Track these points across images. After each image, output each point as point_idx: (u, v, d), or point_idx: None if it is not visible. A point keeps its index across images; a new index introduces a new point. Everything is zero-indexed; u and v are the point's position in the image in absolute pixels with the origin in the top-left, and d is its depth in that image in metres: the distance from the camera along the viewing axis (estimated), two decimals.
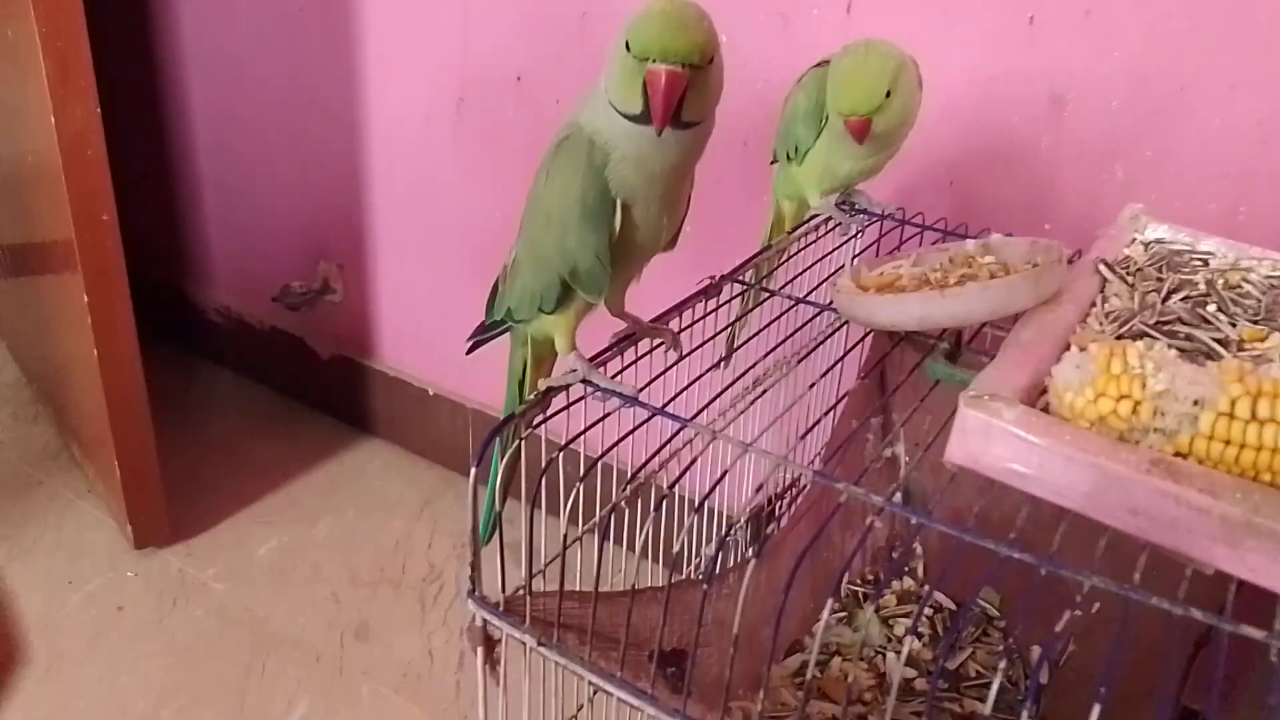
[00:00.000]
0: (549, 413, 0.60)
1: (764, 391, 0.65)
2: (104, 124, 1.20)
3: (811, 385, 0.70)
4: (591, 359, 0.64)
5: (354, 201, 1.58)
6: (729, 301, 0.76)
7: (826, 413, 0.67)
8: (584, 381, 0.62)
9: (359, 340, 1.67)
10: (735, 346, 0.81)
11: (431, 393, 1.60)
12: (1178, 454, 0.49)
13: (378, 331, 1.65)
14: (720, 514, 1.03)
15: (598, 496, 0.64)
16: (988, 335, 0.75)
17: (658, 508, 0.52)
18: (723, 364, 0.73)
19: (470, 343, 0.74)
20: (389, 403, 1.66)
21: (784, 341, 0.74)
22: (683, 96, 0.56)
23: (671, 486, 0.54)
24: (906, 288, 0.66)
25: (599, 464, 0.58)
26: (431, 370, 1.61)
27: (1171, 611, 0.46)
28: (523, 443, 0.57)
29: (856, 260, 0.88)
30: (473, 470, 0.54)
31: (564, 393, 0.62)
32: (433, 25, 1.38)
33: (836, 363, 0.70)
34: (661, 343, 0.69)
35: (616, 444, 0.57)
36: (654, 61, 0.55)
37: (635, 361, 0.67)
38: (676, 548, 0.64)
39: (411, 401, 1.62)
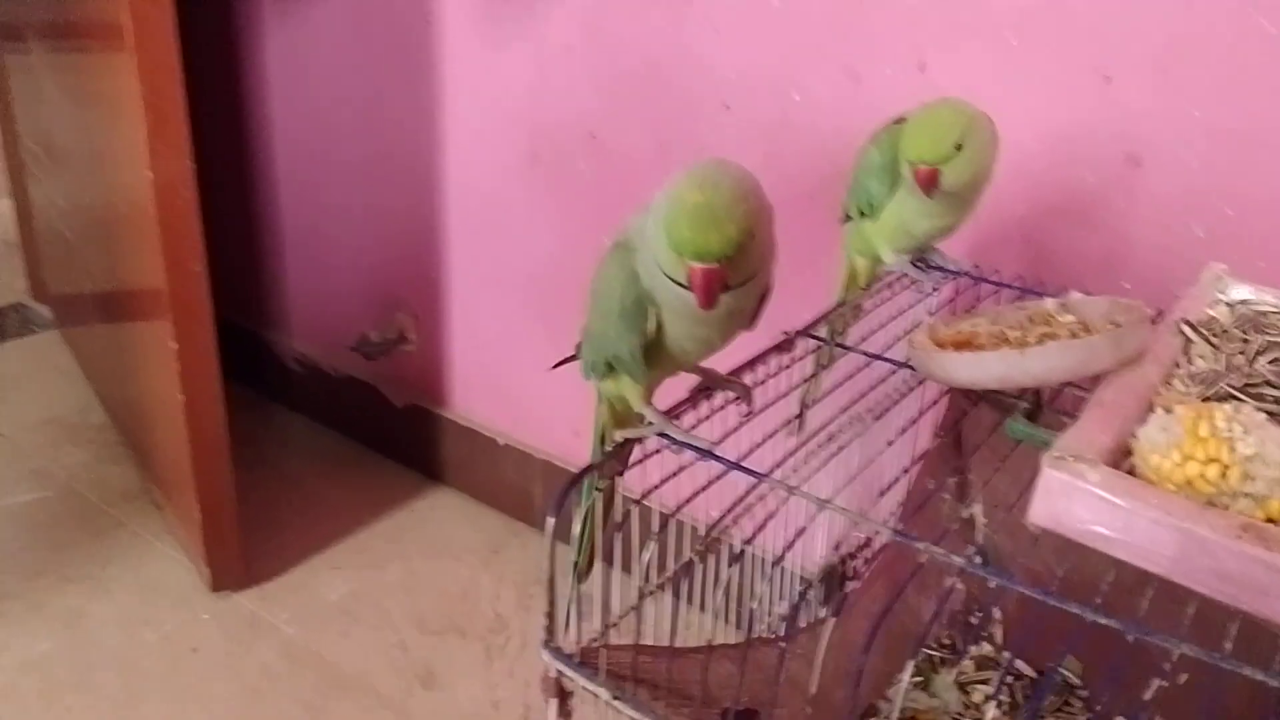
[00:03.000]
0: (626, 464, 0.60)
1: (840, 449, 0.65)
2: (196, 173, 1.25)
3: (890, 443, 0.69)
4: (667, 411, 0.65)
5: (429, 253, 1.61)
6: (804, 358, 0.77)
7: (905, 471, 0.67)
8: (660, 434, 0.63)
9: (432, 389, 1.70)
10: (809, 404, 0.81)
11: (501, 442, 1.61)
12: (1269, 519, 0.47)
13: (450, 381, 1.68)
14: (793, 572, 1.03)
15: (671, 553, 0.64)
16: (1069, 396, 0.74)
17: (732, 564, 0.52)
18: (797, 421, 0.74)
19: (558, 362, 0.76)
20: (459, 451, 1.68)
21: (860, 399, 0.74)
22: (726, 277, 0.57)
23: (747, 543, 0.54)
24: (985, 346, 0.65)
25: (673, 520, 0.58)
26: (501, 420, 1.62)
27: (1266, 683, 0.44)
28: (598, 494, 0.58)
29: (932, 317, 0.87)
30: (550, 520, 0.54)
31: (640, 445, 0.63)
32: (508, 79, 1.42)
33: (913, 421, 0.70)
34: (737, 397, 0.69)
35: (692, 497, 0.57)
36: (689, 259, 0.56)
37: (710, 416, 0.67)
38: (752, 604, 0.64)
39: (481, 450, 1.64)
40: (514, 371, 1.58)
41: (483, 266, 1.56)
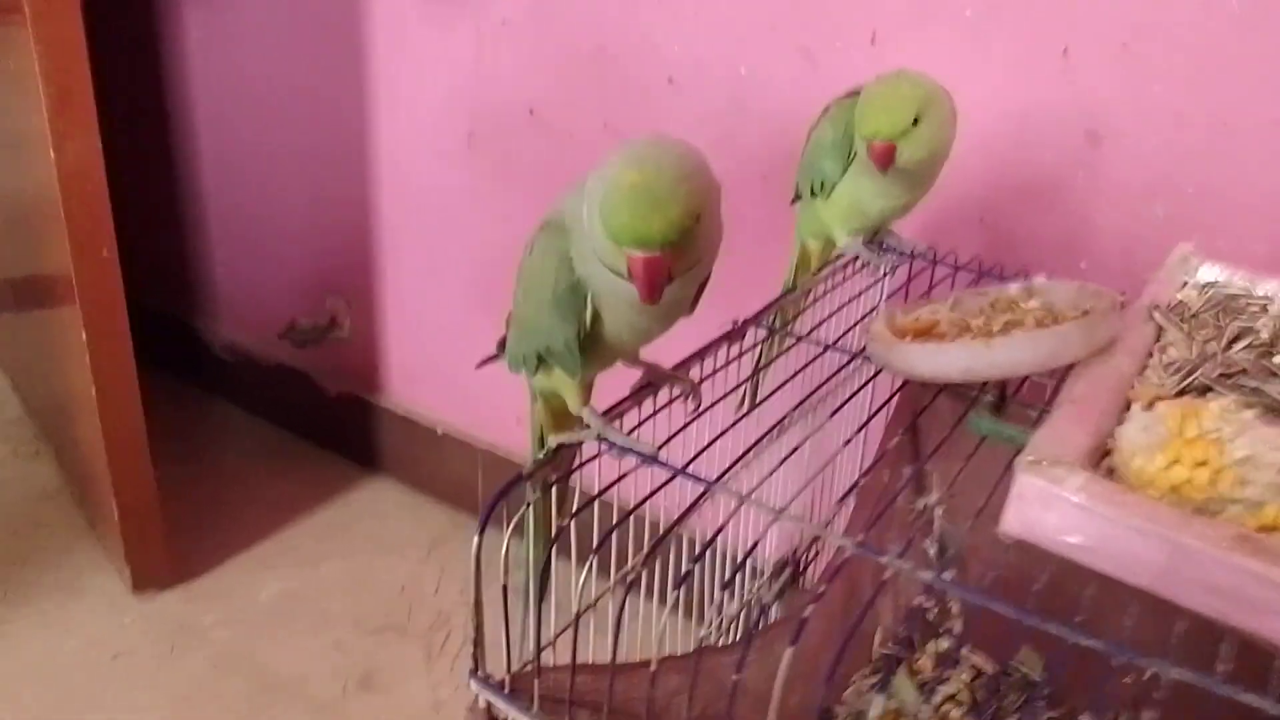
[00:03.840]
0: (568, 470, 0.55)
1: (793, 451, 0.60)
2: (108, 155, 1.17)
3: (846, 442, 0.65)
4: (607, 411, 0.60)
5: (363, 236, 1.54)
6: (754, 347, 0.72)
7: (863, 474, 0.62)
8: (598, 439, 0.58)
9: (367, 377, 1.63)
10: (759, 399, 0.76)
11: (440, 431, 1.55)
12: (1263, 528, 0.44)
13: (386, 368, 1.61)
14: (744, 566, 0.98)
15: (613, 551, 0.59)
16: (1034, 385, 0.70)
17: (678, 586, 0.47)
18: (745, 414, 0.69)
19: (482, 361, 0.70)
20: (397, 441, 1.62)
21: (813, 392, 0.70)
22: (670, 266, 0.52)
23: (695, 560, 0.49)
24: (946, 335, 0.61)
25: (615, 517, 0.53)
26: (440, 408, 1.56)
27: (1261, 709, 0.40)
28: (529, 507, 0.53)
29: (887, 303, 0.83)
30: (475, 538, 0.49)
31: (579, 449, 0.58)
32: (444, 57, 1.35)
33: (871, 418, 0.66)
34: (682, 393, 0.64)
35: (629, 514, 0.52)
36: (629, 247, 0.51)
37: (654, 414, 0.62)
38: (709, 612, 0.59)
39: (420, 440, 1.58)
40: (453, 358, 1.52)
41: (420, 249, 1.50)
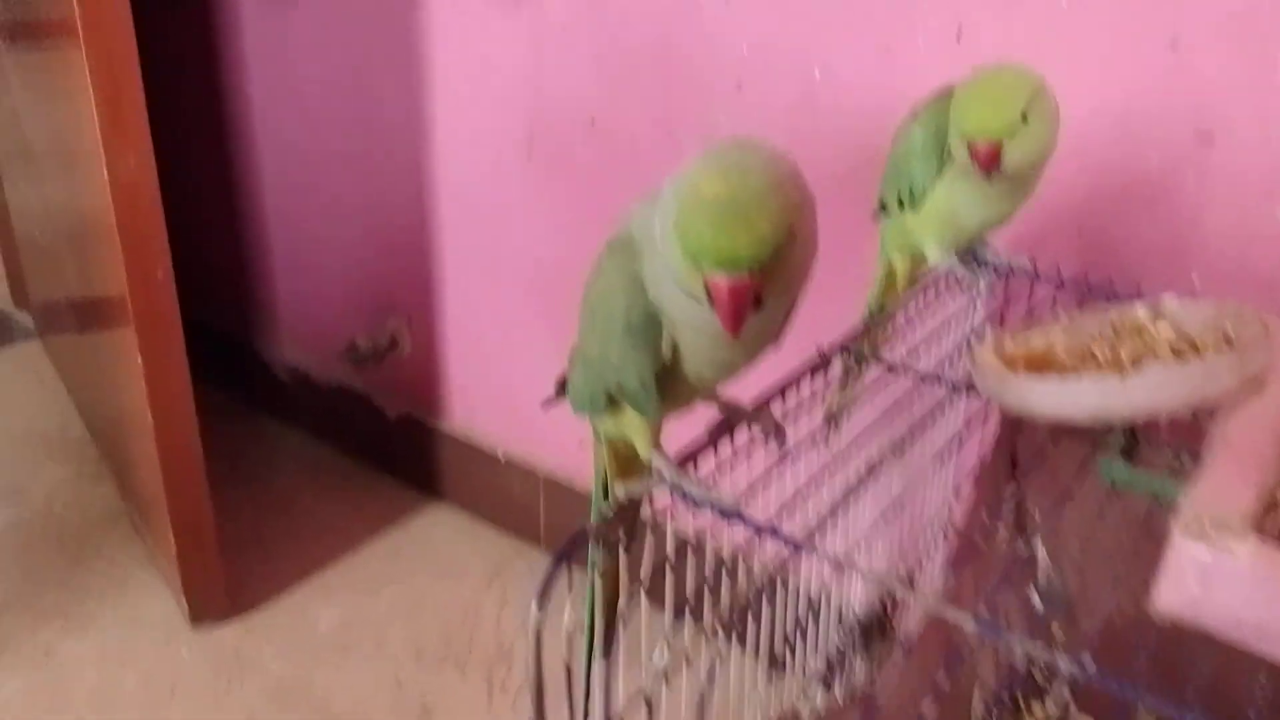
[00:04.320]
0: (633, 528, 0.48)
1: (896, 506, 0.53)
2: (165, 172, 1.15)
3: (964, 492, 0.57)
4: (680, 456, 0.53)
5: (421, 252, 1.50)
6: (844, 378, 0.65)
7: (948, 526, 0.55)
8: (672, 488, 0.51)
9: (427, 399, 1.59)
10: (838, 434, 0.69)
11: (502, 456, 1.50)
12: None
13: (446, 391, 1.57)
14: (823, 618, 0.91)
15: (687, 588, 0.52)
16: (1167, 422, 0.62)
17: (766, 647, 0.40)
18: (828, 458, 0.61)
19: (546, 402, 0.64)
20: (457, 466, 1.58)
21: (905, 428, 0.62)
22: (759, 291, 0.45)
23: (761, 601, 0.42)
24: (1066, 365, 0.53)
25: (690, 565, 0.47)
26: (502, 432, 1.51)
27: None
28: (593, 569, 0.46)
29: (992, 327, 0.75)
30: (533, 609, 0.43)
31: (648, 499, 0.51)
32: (502, 63, 1.31)
33: (985, 462, 0.58)
34: (764, 432, 0.57)
35: (710, 583, 0.45)
36: (710, 269, 0.44)
37: (733, 457, 0.55)
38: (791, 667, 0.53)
39: (481, 465, 1.53)
40: (515, 380, 1.47)
41: (479, 265, 1.45)
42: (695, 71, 1.15)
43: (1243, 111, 0.85)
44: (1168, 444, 0.57)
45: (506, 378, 1.48)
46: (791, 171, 0.45)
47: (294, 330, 1.78)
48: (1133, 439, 0.57)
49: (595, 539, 0.47)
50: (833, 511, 0.56)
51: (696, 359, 0.51)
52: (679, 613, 0.45)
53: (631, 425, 0.55)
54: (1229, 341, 0.51)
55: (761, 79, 1.10)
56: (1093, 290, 0.77)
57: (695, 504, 0.50)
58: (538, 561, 1.48)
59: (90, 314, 1.48)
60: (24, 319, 2.17)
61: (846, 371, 0.71)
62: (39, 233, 1.80)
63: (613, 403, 0.55)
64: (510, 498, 1.51)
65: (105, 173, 1.11)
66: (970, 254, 0.80)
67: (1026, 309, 0.78)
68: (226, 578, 1.36)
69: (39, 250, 1.86)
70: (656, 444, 0.55)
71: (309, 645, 1.33)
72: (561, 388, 0.62)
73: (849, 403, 0.75)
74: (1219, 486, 0.41)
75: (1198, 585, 0.38)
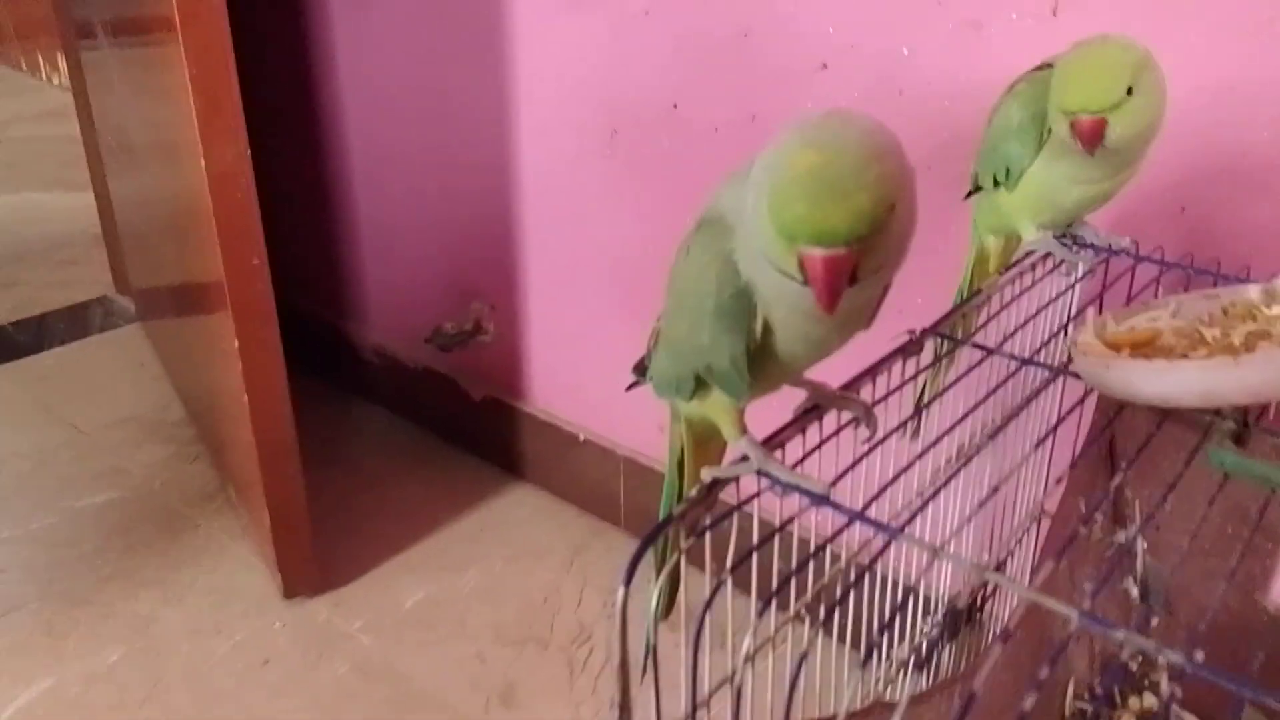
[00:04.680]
0: (714, 512, 0.48)
1: (992, 494, 0.52)
2: (258, 161, 1.18)
3: (1060, 480, 0.56)
4: (766, 440, 0.53)
5: (505, 240, 1.52)
6: (934, 362, 0.63)
7: (1041, 510, 0.53)
8: (759, 473, 0.50)
9: (509, 382, 1.61)
10: (924, 408, 0.67)
11: (582, 438, 1.51)
12: None
13: (528, 373, 1.58)
14: (909, 606, 0.89)
15: (772, 581, 0.52)
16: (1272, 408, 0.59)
17: (852, 636, 0.40)
18: (927, 446, 0.60)
19: (630, 386, 0.64)
20: (539, 447, 1.59)
21: (1004, 414, 0.61)
22: (856, 266, 0.43)
23: (849, 591, 0.41)
24: (1174, 348, 0.51)
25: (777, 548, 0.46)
26: (582, 414, 1.52)
27: None
28: (683, 556, 0.46)
29: (1089, 309, 0.72)
30: (620, 592, 0.42)
31: (734, 484, 0.51)
32: (584, 51, 1.31)
33: (1052, 430, 0.56)
34: (854, 418, 0.56)
35: (792, 576, 0.44)
36: (806, 243, 0.42)
37: (821, 444, 0.54)
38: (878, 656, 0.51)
39: (561, 446, 1.54)
40: (594, 363, 1.47)
41: (561, 253, 1.46)
42: (777, 53, 1.13)
43: None
44: (1275, 430, 0.54)
45: (586, 361, 1.49)
46: (891, 143, 0.43)
47: (382, 315, 1.81)
48: (1243, 424, 0.54)
49: (679, 522, 0.46)
50: (923, 498, 0.55)
51: (788, 339, 0.49)
52: (765, 599, 0.45)
53: (718, 408, 0.55)
54: None
55: (846, 58, 1.08)
56: (1198, 273, 0.74)
57: (783, 489, 0.49)
58: (617, 542, 1.49)
59: (188, 300, 1.53)
60: (125, 304, 2.25)
61: (937, 356, 0.69)
62: (140, 221, 1.86)
63: (700, 385, 0.54)
64: (590, 478, 1.52)
65: (203, 165, 1.14)
66: (1069, 234, 0.77)
67: (1128, 293, 0.75)
68: (317, 554, 1.39)
69: (139, 238, 1.93)
70: (743, 427, 0.54)
71: (395, 621, 1.35)
72: (641, 371, 0.62)
73: (939, 388, 0.73)
74: None
75: None
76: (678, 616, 0.53)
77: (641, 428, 1.41)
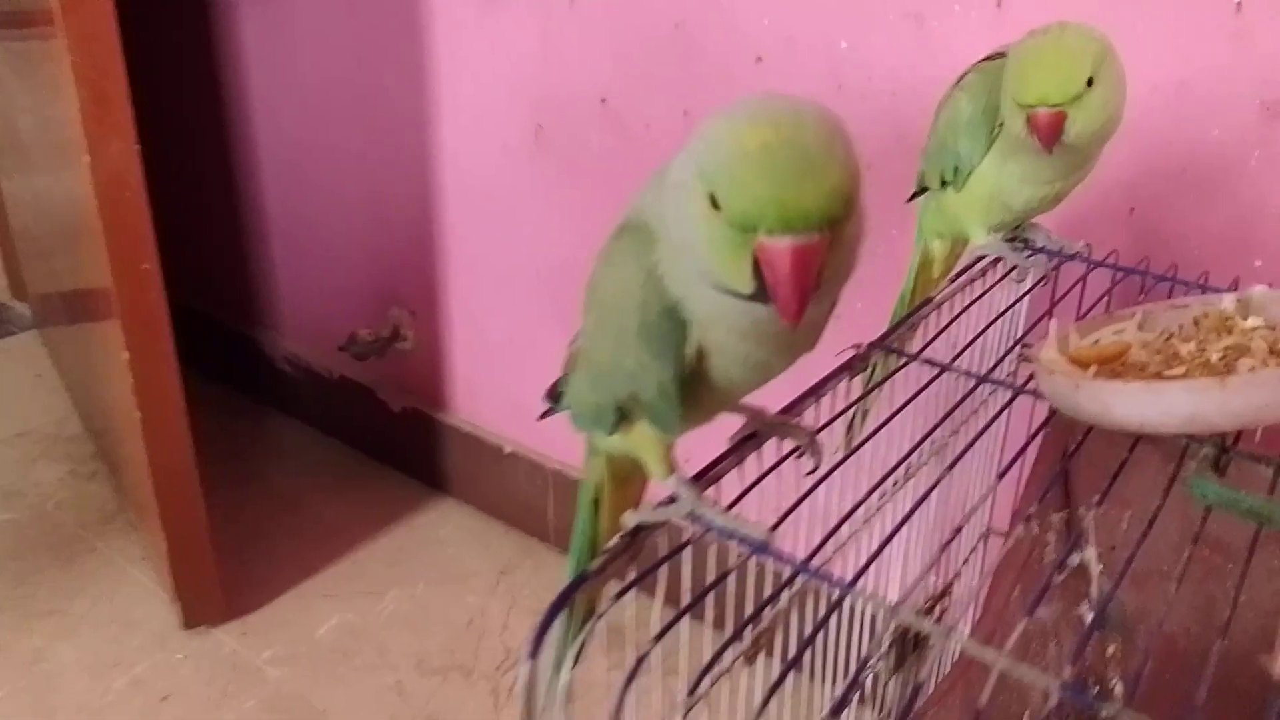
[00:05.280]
0: (638, 573, 0.41)
1: (936, 509, 0.46)
2: (159, 162, 1.09)
3: (1012, 499, 0.50)
4: (699, 476, 0.46)
5: (426, 242, 1.44)
6: (885, 380, 0.57)
7: (986, 531, 0.48)
8: (691, 517, 0.44)
9: (431, 392, 1.53)
10: (853, 437, 0.61)
11: (508, 450, 1.44)
12: None
13: (451, 383, 1.51)
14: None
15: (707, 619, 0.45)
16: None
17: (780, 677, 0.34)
18: (849, 447, 0.54)
19: (544, 411, 0.57)
20: (463, 460, 1.52)
21: (960, 430, 0.55)
22: (823, 260, 0.37)
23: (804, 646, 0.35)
24: (1146, 365, 0.46)
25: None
26: (508, 425, 1.45)
27: None
28: (599, 620, 0.39)
29: (1052, 322, 0.67)
30: (525, 668, 0.36)
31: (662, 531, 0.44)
32: (508, 45, 1.24)
33: (1034, 466, 0.51)
34: (798, 448, 0.50)
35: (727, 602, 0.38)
36: (769, 233, 0.36)
37: (761, 478, 0.48)
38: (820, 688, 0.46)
39: (487, 459, 1.47)
40: (521, 371, 1.40)
41: (486, 256, 1.39)
42: (712, 47, 1.08)
43: None
44: (1257, 456, 0.49)
45: (513, 370, 1.42)
46: (842, 126, 0.37)
47: (295, 322, 1.73)
48: (1222, 450, 0.49)
49: (596, 580, 0.39)
50: (867, 523, 0.50)
51: (726, 363, 0.43)
52: (699, 670, 0.39)
53: (643, 442, 0.48)
54: None
55: (782, 52, 1.03)
56: (1157, 280, 0.70)
57: (718, 535, 0.43)
58: (546, 560, 1.43)
59: (80, 307, 1.42)
60: (22, 310, 2.12)
61: (871, 370, 0.64)
62: (34, 224, 1.74)
63: (623, 416, 0.48)
64: (517, 493, 1.46)
65: (89, 162, 1.05)
66: (1019, 238, 0.72)
67: (1079, 300, 0.70)
68: (222, 579, 1.30)
69: (34, 241, 1.81)
70: (673, 463, 0.47)
71: (308, 651, 1.27)
72: (556, 397, 0.55)
73: (870, 404, 0.68)
74: None
75: None
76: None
77: (572, 439, 1.31)
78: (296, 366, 1.72)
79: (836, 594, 0.39)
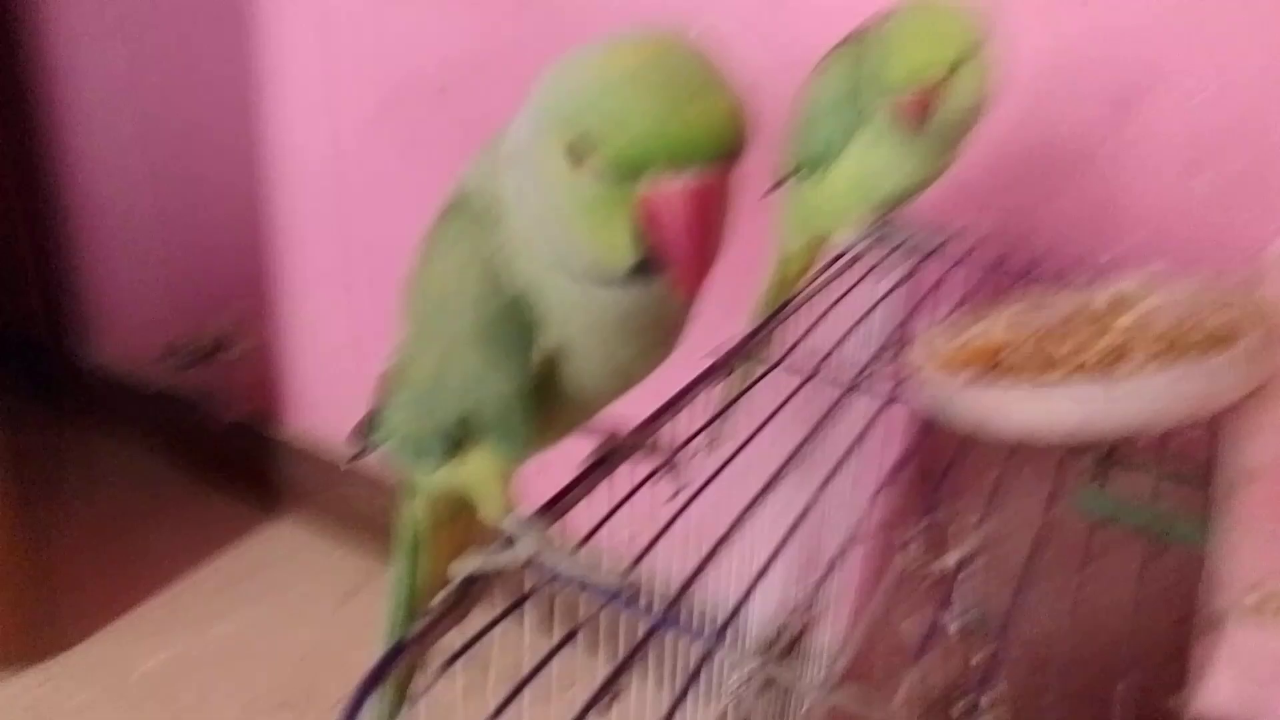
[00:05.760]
0: (469, 635, 0.35)
1: (798, 518, 0.42)
2: None
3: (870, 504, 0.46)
4: (544, 509, 0.40)
5: (252, 238, 1.35)
6: (746, 390, 0.52)
7: (847, 541, 0.44)
8: (532, 563, 0.37)
9: (263, 403, 1.44)
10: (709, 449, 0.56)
11: (349, 465, 1.34)
12: None
13: (285, 392, 1.42)
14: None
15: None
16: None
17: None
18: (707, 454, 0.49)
19: (355, 453, 0.50)
20: (299, 477, 1.43)
21: (821, 435, 0.51)
22: (723, 201, 0.31)
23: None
24: (1022, 367, 0.43)
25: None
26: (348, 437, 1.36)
27: None
28: (423, 696, 0.33)
29: (923, 322, 0.64)
30: None
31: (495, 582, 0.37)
32: (343, 27, 1.16)
33: (891, 470, 0.47)
34: (656, 471, 0.44)
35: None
36: (656, 175, 0.30)
37: (614, 510, 0.42)
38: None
39: (325, 475, 1.39)
40: (362, 377, 1.29)
41: (320, 255, 1.31)
42: (560, 27, 1.02)
43: (1164, 70, 0.78)
44: (1141, 461, 0.46)
45: (353, 377, 1.33)
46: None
47: (107, 330, 1.60)
48: (1107, 455, 0.46)
49: (417, 647, 0.33)
50: (729, 539, 0.45)
51: (587, 367, 0.36)
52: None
53: (481, 473, 0.40)
54: (1221, 335, 0.41)
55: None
56: (1010, 273, 0.68)
57: (566, 583, 0.37)
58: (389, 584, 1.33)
59: None
60: None
61: (725, 386, 0.59)
62: None
63: (452, 444, 0.40)
64: (360, 511, 1.38)
65: None
66: (881, 231, 0.69)
67: (934, 295, 0.67)
68: (25, 616, 1.19)
69: None
70: (511, 500, 0.40)
71: (125, 693, 1.16)
72: (362, 430, 0.48)
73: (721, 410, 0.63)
74: (1262, 547, 0.31)
75: (1259, 685, 0.27)
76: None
77: None
78: (109, 378, 1.58)
79: (700, 646, 0.34)
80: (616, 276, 0.32)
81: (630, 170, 0.30)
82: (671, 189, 0.29)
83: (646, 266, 0.31)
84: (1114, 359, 0.42)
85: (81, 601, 1.27)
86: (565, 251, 0.33)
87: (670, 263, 0.30)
